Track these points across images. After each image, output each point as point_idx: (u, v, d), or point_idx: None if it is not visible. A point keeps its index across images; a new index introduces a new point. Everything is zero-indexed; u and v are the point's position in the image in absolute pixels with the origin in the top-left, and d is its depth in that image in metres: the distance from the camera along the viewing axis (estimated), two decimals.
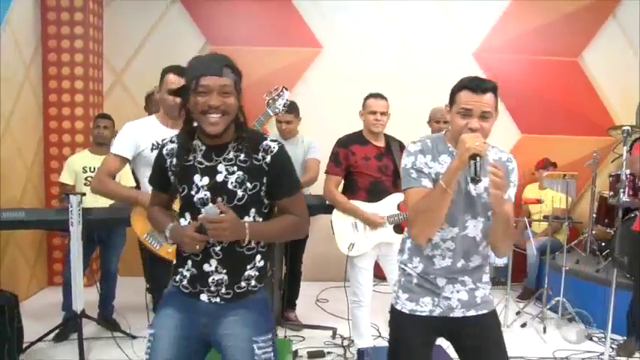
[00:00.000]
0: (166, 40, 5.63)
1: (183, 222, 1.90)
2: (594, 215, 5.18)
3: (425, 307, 2.04)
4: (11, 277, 4.56)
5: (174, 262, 1.98)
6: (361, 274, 3.49)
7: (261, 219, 1.90)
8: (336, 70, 5.70)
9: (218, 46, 5.61)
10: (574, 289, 4.57)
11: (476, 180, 1.82)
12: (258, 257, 1.92)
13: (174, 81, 2.77)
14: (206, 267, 1.87)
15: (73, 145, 5.25)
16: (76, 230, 3.33)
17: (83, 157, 4.30)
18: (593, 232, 5.19)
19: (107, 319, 4.16)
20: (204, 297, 1.89)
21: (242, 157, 1.85)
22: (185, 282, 1.91)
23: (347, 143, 3.55)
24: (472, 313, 2.06)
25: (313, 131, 4.86)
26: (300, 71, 5.71)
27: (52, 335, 3.79)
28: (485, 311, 2.08)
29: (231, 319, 1.87)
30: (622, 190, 3.93)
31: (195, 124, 1.87)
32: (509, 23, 5.81)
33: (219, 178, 1.85)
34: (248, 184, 1.84)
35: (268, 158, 1.85)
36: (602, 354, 3.77)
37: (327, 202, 3.58)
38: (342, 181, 3.61)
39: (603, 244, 5.06)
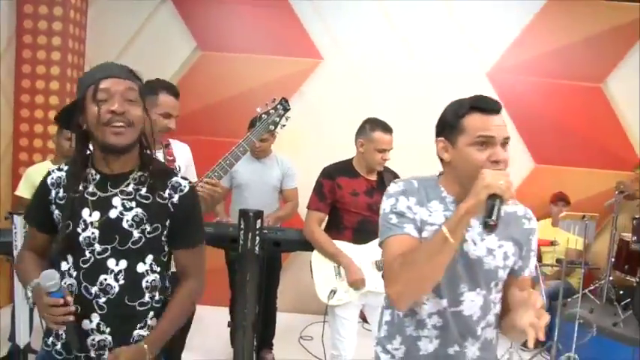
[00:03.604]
0: (154, 42, 5.18)
1: (65, 266, 1.54)
2: (612, 260, 4.67)
3: None
4: None
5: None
6: (343, 326, 3.01)
7: (159, 268, 1.57)
8: (337, 85, 5.20)
9: (209, 52, 5.18)
10: (589, 344, 4.02)
11: (490, 226, 1.31)
12: (151, 314, 1.57)
13: (171, 104, 2.43)
14: (86, 323, 1.50)
15: (45, 151, 4.80)
16: None
17: (45, 168, 3.83)
18: (611, 278, 4.69)
19: None
20: None
21: (144, 191, 1.52)
22: (59, 346, 1.53)
23: (333, 174, 3.04)
24: None
25: (308, 150, 4.46)
26: (297, 84, 5.21)
27: None
28: None
29: None
30: None
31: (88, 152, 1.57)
32: (528, 42, 5.30)
33: (113, 213, 1.50)
34: (147, 226, 1.51)
35: (176, 198, 1.54)
36: None
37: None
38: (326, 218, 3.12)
39: (621, 292, 4.57)
